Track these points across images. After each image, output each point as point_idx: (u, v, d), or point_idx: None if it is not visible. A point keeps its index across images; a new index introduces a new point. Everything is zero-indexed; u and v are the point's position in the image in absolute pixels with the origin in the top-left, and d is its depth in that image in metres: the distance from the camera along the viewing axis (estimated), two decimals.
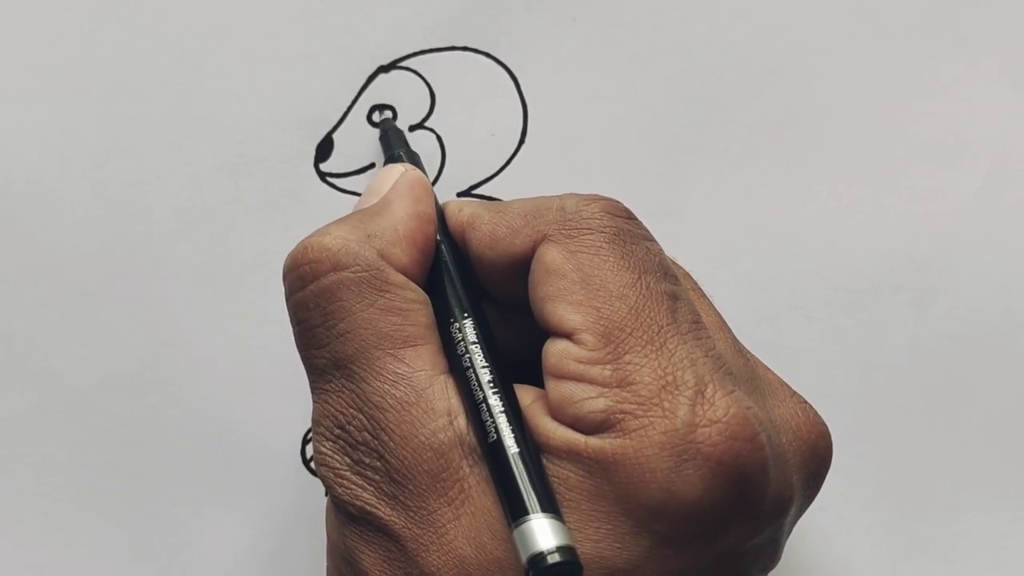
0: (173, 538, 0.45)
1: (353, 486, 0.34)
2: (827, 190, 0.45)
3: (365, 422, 0.34)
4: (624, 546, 0.32)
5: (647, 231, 0.36)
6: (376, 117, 0.44)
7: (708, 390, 0.32)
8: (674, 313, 0.34)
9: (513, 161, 0.45)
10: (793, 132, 0.45)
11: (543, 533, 0.31)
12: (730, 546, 0.33)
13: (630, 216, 0.36)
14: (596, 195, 0.36)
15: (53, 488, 0.44)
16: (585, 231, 0.35)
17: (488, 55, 0.44)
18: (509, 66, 0.44)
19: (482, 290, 0.37)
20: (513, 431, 0.33)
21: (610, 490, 0.32)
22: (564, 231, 0.35)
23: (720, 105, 0.45)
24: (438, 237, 0.37)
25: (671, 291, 0.34)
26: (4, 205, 0.44)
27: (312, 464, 0.45)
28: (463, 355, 0.35)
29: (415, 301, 0.35)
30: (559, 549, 0.31)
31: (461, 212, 0.38)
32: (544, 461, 0.33)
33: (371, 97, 0.44)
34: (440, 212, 0.38)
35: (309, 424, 0.45)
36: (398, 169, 0.39)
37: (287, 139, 0.44)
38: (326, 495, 0.36)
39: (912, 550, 0.46)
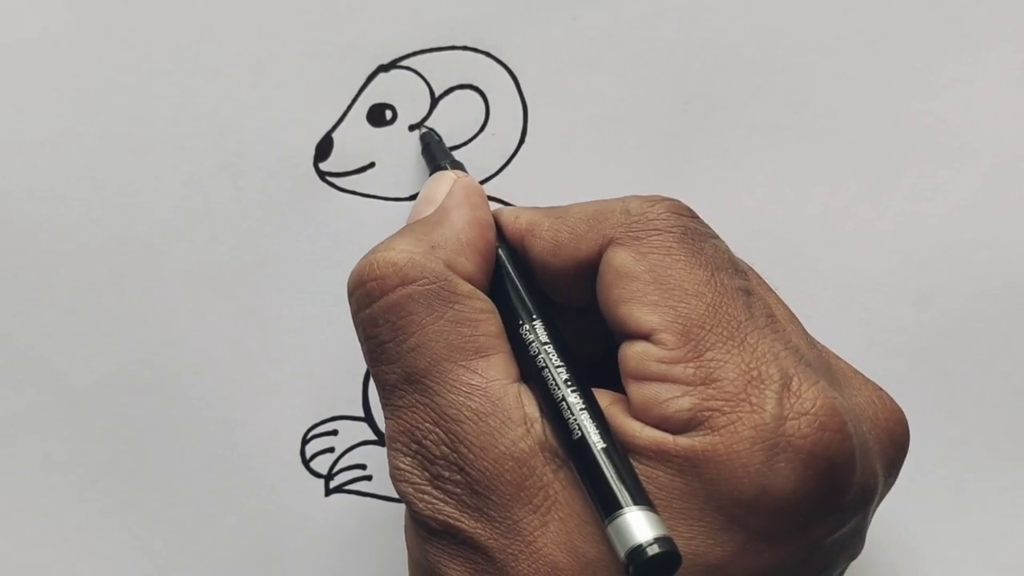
0: (173, 538, 0.45)
1: (434, 500, 0.34)
2: (827, 190, 0.45)
3: (442, 436, 0.34)
4: (717, 542, 0.32)
5: (711, 229, 0.36)
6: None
7: (793, 383, 0.33)
8: (750, 308, 0.34)
9: (513, 161, 0.45)
10: (793, 132, 0.45)
11: (639, 525, 0.31)
12: (820, 537, 0.33)
13: (694, 215, 0.36)
14: (659, 196, 0.36)
15: (53, 488, 0.44)
16: (653, 232, 0.35)
17: (488, 55, 0.44)
18: (509, 66, 0.44)
19: (544, 295, 0.37)
20: (597, 426, 0.33)
21: (700, 487, 0.32)
22: (631, 233, 0.35)
23: (720, 105, 0.45)
24: (496, 243, 0.37)
25: (744, 286, 0.35)
26: (4, 205, 0.44)
27: (312, 464, 0.45)
28: (536, 356, 0.35)
29: (484, 311, 0.35)
30: (657, 540, 0.31)
31: (518, 219, 0.38)
32: (631, 462, 0.33)
33: (371, 96, 0.44)
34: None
35: (309, 424, 0.45)
36: (450, 176, 0.39)
37: (287, 139, 0.44)
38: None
39: (910, 549, 0.46)
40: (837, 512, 0.33)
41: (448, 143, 0.44)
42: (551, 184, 0.45)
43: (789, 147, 0.45)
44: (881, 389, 0.36)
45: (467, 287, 0.36)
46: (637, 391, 0.33)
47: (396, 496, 0.45)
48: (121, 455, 0.44)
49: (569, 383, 0.34)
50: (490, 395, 0.34)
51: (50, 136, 0.44)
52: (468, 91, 0.44)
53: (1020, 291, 0.46)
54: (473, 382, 0.34)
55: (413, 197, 0.44)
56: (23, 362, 0.44)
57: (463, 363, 0.34)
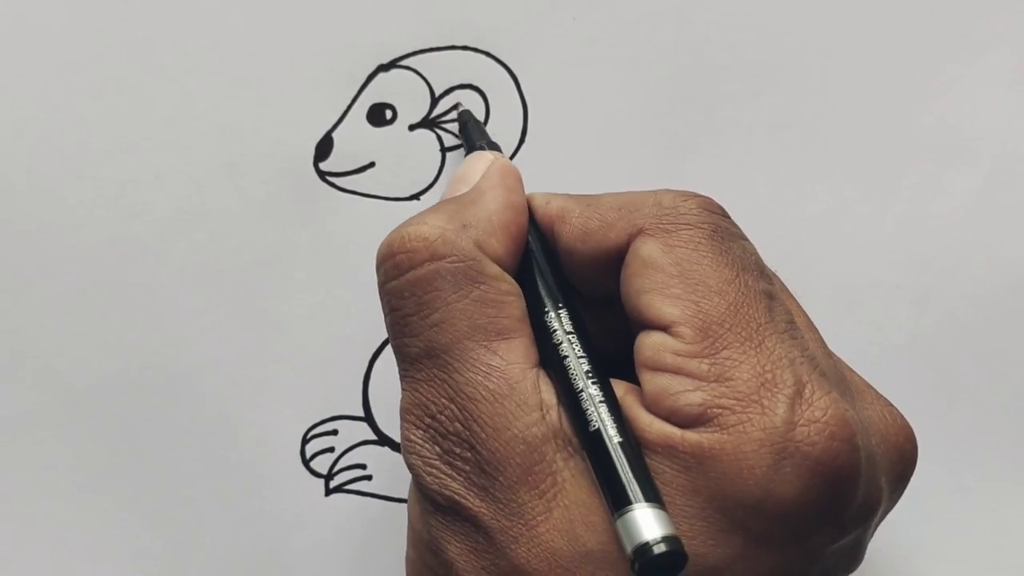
0: (173, 538, 0.45)
1: (442, 476, 0.34)
2: (827, 190, 0.45)
3: (457, 412, 0.34)
4: (718, 543, 0.32)
5: (741, 230, 0.36)
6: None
7: (807, 390, 0.33)
8: (771, 312, 0.34)
9: (513, 161, 0.45)
10: (793, 132, 0.45)
11: (648, 523, 0.31)
12: (819, 547, 0.33)
13: (726, 214, 0.36)
14: (692, 192, 0.36)
15: (53, 488, 0.44)
16: (683, 226, 0.35)
17: (488, 55, 0.44)
18: (509, 66, 0.44)
19: (570, 284, 0.37)
20: (614, 420, 0.33)
21: (705, 486, 0.32)
22: (662, 225, 0.35)
23: (720, 105, 0.45)
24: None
25: (767, 290, 0.35)
26: (4, 205, 0.44)
27: (312, 464, 0.45)
28: (559, 345, 0.35)
29: (510, 293, 0.35)
30: (665, 539, 0.31)
31: (549, 205, 0.38)
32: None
33: (371, 96, 0.44)
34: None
35: (309, 424, 0.45)
36: (487, 157, 0.39)
37: (287, 138, 0.44)
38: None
39: (910, 550, 0.46)
40: (839, 523, 0.33)
41: (448, 143, 0.44)
42: (551, 184, 0.44)
43: (789, 147, 0.45)
44: (892, 405, 0.36)
45: (495, 268, 0.36)
46: (650, 381, 0.34)
47: (396, 496, 0.45)
48: (121, 455, 0.44)
49: (590, 374, 0.34)
50: (508, 378, 0.34)
51: (50, 136, 0.44)
52: (468, 91, 0.44)
53: (1020, 291, 0.46)
54: (492, 363, 0.34)
55: (414, 197, 0.44)
56: (23, 362, 0.44)
57: (484, 343, 0.34)
